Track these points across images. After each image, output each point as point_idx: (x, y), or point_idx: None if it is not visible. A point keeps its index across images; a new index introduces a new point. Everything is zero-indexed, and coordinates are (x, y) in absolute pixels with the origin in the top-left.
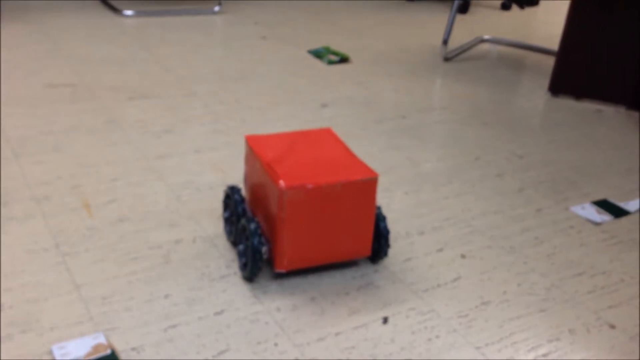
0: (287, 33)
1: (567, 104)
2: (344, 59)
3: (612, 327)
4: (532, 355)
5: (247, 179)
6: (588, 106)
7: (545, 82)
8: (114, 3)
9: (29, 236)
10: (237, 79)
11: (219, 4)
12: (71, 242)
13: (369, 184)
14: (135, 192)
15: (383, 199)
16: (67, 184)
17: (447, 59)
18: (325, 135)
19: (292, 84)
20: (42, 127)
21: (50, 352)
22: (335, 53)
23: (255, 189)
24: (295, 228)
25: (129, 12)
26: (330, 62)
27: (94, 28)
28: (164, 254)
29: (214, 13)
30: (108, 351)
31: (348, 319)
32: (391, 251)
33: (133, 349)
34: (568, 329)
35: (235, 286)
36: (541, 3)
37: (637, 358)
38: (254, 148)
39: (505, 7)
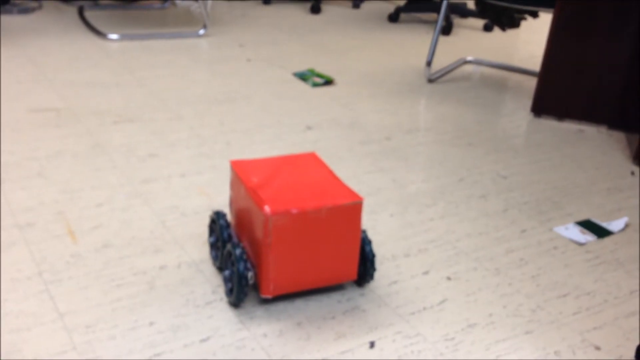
0: (272, 55)
1: (550, 125)
2: (328, 82)
3: (597, 348)
4: None
5: (232, 204)
6: (570, 126)
7: (528, 102)
8: (98, 27)
9: (12, 264)
10: (222, 102)
11: (204, 27)
12: (55, 269)
13: (354, 208)
14: (119, 217)
15: (369, 222)
16: (51, 210)
17: (430, 80)
18: (310, 160)
19: (277, 107)
20: (26, 152)
21: None
22: (320, 75)
23: (241, 214)
24: (281, 253)
25: (113, 36)
26: (315, 85)
27: (78, 52)
28: (148, 280)
29: (199, 36)
30: None
31: (334, 344)
32: (377, 274)
33: None
34: (554, 351)
35: (221, 312)
36: (522, 23)
37: None
38: (239, 173)
39: (488, 28)
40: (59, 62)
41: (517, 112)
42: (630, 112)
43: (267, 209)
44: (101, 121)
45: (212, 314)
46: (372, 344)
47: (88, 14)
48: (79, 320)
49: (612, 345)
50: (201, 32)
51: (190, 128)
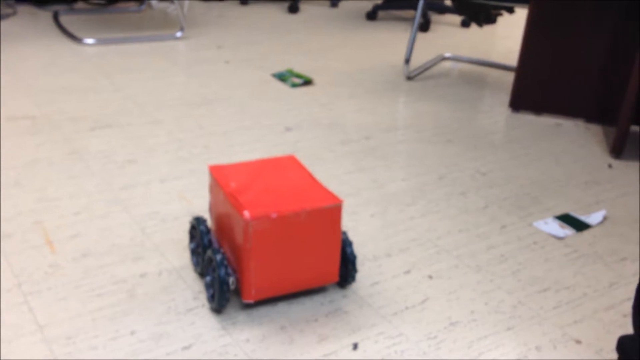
0: (250, 56)
1: (528, 119)
2: (307, 82)
3: (578, 342)
4: None
5: (212, 209)
6: (548, 120)
7: (506, 98)
8: (74, 31)
9: None
10: (200, 105)
11: (181, 29)
12: (33, 280)
13: (334, 210)
14: (98, 225)
15: (349, 222)
16: (28, 219)
17: (409, 78)
18: (289, 163)
19: (256, 108)
20: (2, 161)
21: None
22: (298, 76)
23: (221, 220)
24: (262, 258)
25: (89, 41)
26: (294, 85)
27: (54, 57)
28: (129, 289)
29: (176, 38)
30: None
31: (317, 347)
32: (359, 275)
33: None
34: (535, 346)
35: (203, 319)
36: (499, 19)
37: None
38: (218, 178)
39: (465, 24)
40: (34, 68)
41: (495, 107)
42: (607, 105)
43: (246, 213)
44: (78, 127)
45: (194, 320)
46: (355, 346)
47: (63, 19)
48: (59, 332)
49: (592, 338)
50: (178, 34)
51: (168, 132)
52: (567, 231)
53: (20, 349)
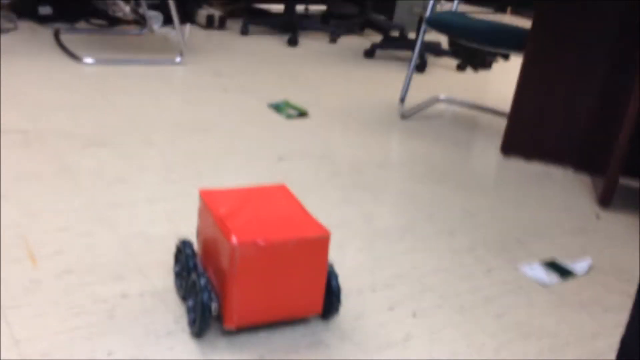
0: (248, 85)
1: (518, 165)
2: (302, 114)
3: None
4: None
5: (199, 233)
6: (537, 167)
7: (498, 142)
8: (74, 50)
9: None
10: (195, 130)
11: (181, 55)
12: (12, 294)
13: (321, 241)
14: (82, 242)
15: (336, 255)
16: (11, 233)
17: (404, 117)
18: (279, 192)
19: (251, 137)
20: None
21: None
22: (294, 107)
23: (207, 244)
24: (246, 284)
25: (88, 60)
26: (289, 117)
27: (51, 74)
28: (108, 309)
29: (175, 63)
30: None
31: None
32: (343, 308)
33: None
34: None
35: (182, 343)
36: (494, 65)
37: None
38: (208, 203)
39: (461, 68)
40: (31, 83)
41: (486, 151)
42: (595, 155)
43: (234, 239)
44: (70, 144)
45: (173, 345)
46: None
47: (64, 37)
48: (35, 348)
49: None
50: (178, 59)
51: (160, 154)
52: (552, 278)
53: None
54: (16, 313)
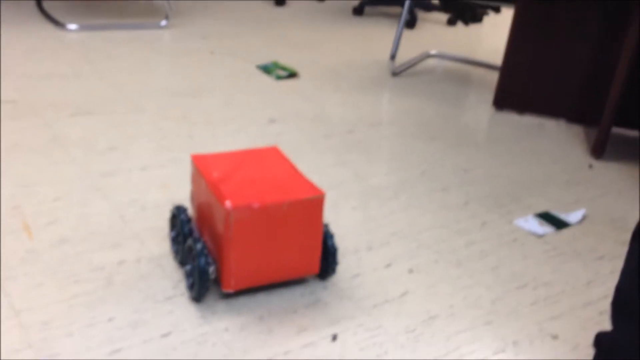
0: (235, 47)
1: (511, 118)
2: (292, 74)
3: (555, 337)
4: None
5: (193, 198)
6: (530, 120)
7: (490, 96)
8: (57, 17)
9: None
10: (184, 95)
11: (166, 18)
12: (10, 266)
13: (315, 202)
14: (77, 212)
15: (331, 215)
16: (6, 205)
17: (395, 74)
18: (272, 154)
19: (241, 100)
20: None
21: None
22: (283, 68)
23: (202, 209)
24: (242, 248)
25: (72, 26)
26: (279, 78)
27: (36, 43)
28: (106, 276)
29: (161, 27)
30: None
31: (296, 338)
32: (339, 267)
33: None
34: (512, 341)
35: (181, 307)
36: (485, 18)
37: None
38: (200, 168)
39: (451, 22)
40: (15, 53)
41: (479, 105)
42: (588, 106)
43: (228, 203)
44: (59, 114)
45: (172, 309)
46: (334, 337)
47: (46, 4)
48: (35, 318)
49: (569, 334)
50: (163, 23)
51: (152, 121)
52: (546, 229)
53: None
54: (15, 284)
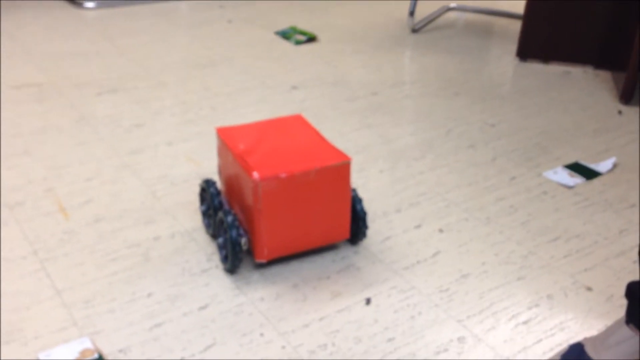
0: (252, 14)
1: (536, 68)
2: (311, 39)
3: (589, 289)
4: (513, 323)
5: (221, 171)
6: (556, 69)
7: (513, 47)
8: None
9: (5, 244)
10: (205, 66)
11: None
12: (48, 247)
13: (342, 168)
14: (109, 190)
15: (359, 180)
16: (39, 187)
17: (414, 31)
18: (296, 122)
19: (261, 68)
20: (10, 130)
21: None
22: (302, 33)
23: (230, 181)
24: (272, 218)
25: (90, 4)
26: (298, 43)
27: (54, 22)
28: (143, 252)
29: None
30: (95, 355)
31: (331, 303)
32: (370, 231)
33: (120, 350)
34: (546, 295)
35: (217, 279)
36: None
37: (614, 318)
38: (225, 140)
39: None
40: (35, 34)
41: (502, 57)
42: (616, 51)
43: (255, 174)
44: (84, 93)
45: (208, 281)
46: (368, 301)
47: None
48: (77, 296)
49: (603, 285)
50: None
51: (174, 95)
52: (576, 180)
53: (39, 314)
54: (54, 264)
